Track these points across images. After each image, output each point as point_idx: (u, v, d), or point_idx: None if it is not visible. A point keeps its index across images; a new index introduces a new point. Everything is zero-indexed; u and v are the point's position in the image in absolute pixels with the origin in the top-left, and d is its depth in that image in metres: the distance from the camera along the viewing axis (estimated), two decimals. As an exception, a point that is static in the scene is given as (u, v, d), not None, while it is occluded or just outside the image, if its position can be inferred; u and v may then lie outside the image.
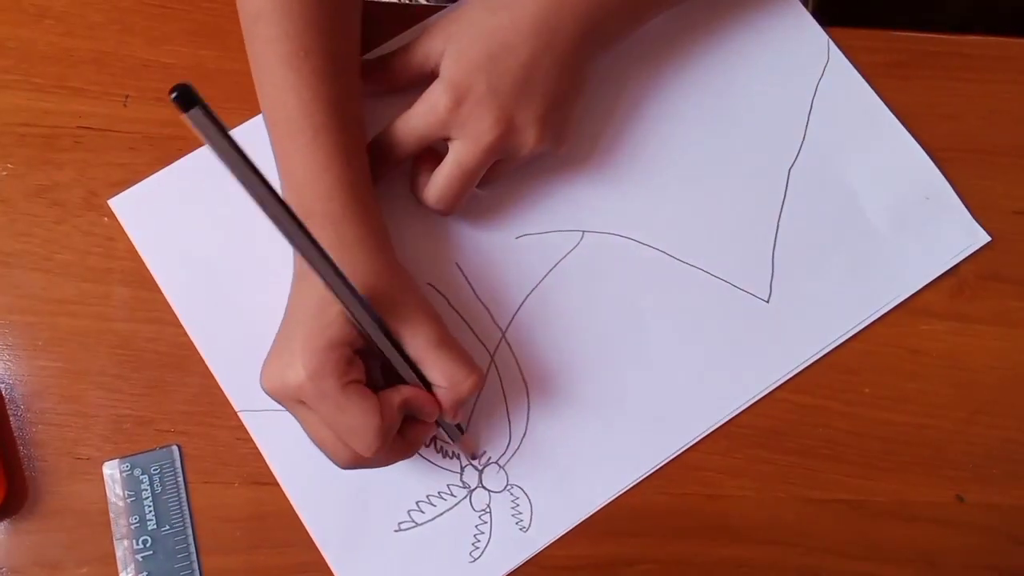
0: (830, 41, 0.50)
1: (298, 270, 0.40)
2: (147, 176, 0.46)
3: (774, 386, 0.45)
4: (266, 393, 0.37)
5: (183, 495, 0.43)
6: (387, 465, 0.40)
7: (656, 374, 0.45)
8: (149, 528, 0.42)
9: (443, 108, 0.41)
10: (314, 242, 0.32)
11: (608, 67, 0.48)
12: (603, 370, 0.45)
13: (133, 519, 0.42)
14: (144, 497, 0.42)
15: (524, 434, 0.44)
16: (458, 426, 0.42)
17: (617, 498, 0.44)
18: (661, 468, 0.44)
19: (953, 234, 0.48)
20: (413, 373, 0.38)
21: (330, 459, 0.38)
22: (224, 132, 0.27)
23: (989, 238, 0.48)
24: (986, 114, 0.50)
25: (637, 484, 0.44)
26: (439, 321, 0.39)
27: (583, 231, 0.47)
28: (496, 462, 0.44)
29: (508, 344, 0.45)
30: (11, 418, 0.43)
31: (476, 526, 0.43)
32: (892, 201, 0.48)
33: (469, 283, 0.46)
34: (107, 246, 0.45)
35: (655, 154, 0.48)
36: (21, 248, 0.45)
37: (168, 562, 0.42)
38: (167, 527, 0.42)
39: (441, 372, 0.38)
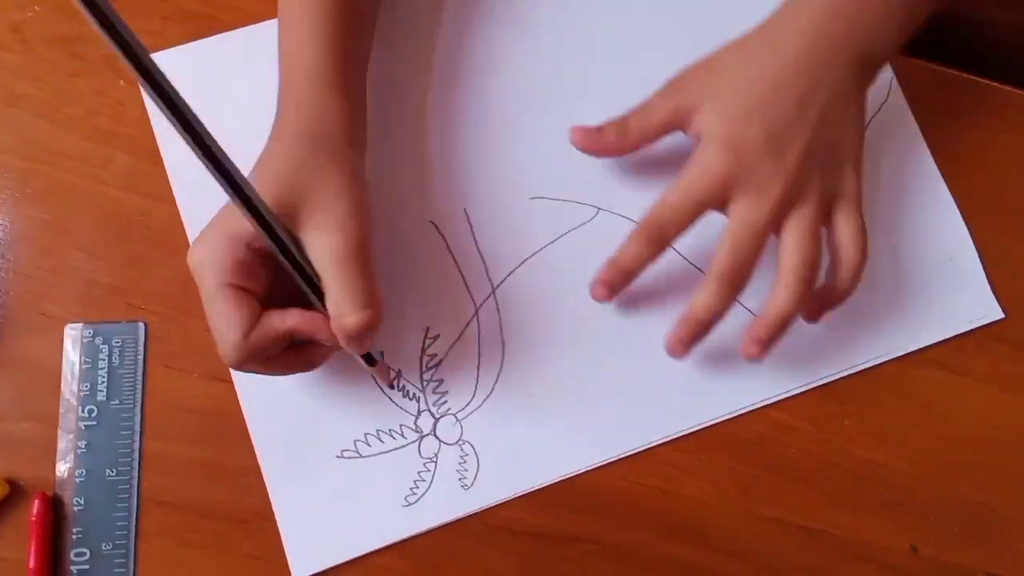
0: (893, 79, 0.48)
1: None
2: (176, 46, 0.45)
3: (755, 407, 0.44)
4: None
5: (140, 374, 0.41)
6: (278, 375, 0.38)
7: (637, 366, 0.44)
8: (98, 399, 0.41)
9: (720, 166, 0.38)
10: (192, 125, 0.28)
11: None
12: (585, 349, 0.44)
13: (84, 386, 0.41)
14: (100, 367, 0.41)
15: (490, 393, 0.43)
16: (366, 356, 0.38)
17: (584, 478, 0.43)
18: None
19: (968, 302, 0.46)
20: (306, 285, 0.34)
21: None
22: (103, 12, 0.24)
23: (1003, 315, 0.46)
24: (1021, 171, 0.49)
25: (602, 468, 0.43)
26: (356, 238, 0.34)
27: (598, 208, 0.45)
28: (454, 414, 0.43)
29: (496, 301, 0.44)
30: (-16, 259, 0.42)
31: (419, 472, 0.42)
32: (916, 253, 0.47)
33: (472, 231, 0.45)
34: (117, 110, 0.44)
35: (685, 151, 0.46)
36: (32, 92, 0.44)
37: (110, 436, 0.41)
38: (117, 401, 0.41)
39: (331, 297, 0.34)
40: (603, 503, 0.43)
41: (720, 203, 0.39)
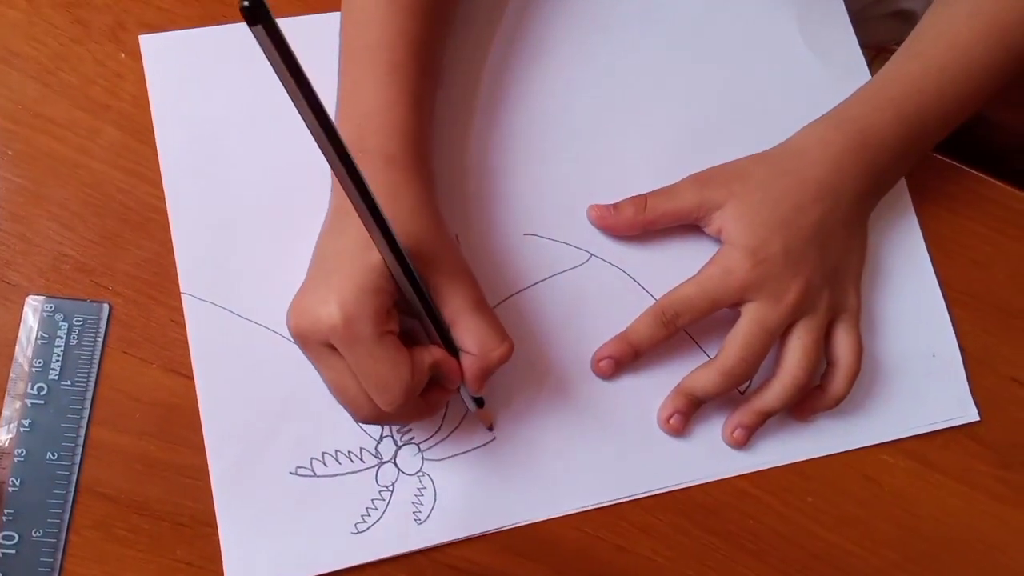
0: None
1: (336, 205, 0.38)
2: (184, 28, 0.44)
3: (720, 478, 0.43)
4: (291, 332, 0.35)
5: (96, 356, 0.40)
6: (403, 423, 0.39)
7: (609, 423, 0.43)
8: (50, 377, 0.39)
9: (743, 272, 0.41)
10: (362, 181, 0.29)
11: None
12: (559, 398, 0.43)
13: (37, 362, 0.39)
14: (57, 344, 0.40)
15: (456, 428, 0.42)
16: (477, 399, 0.40)
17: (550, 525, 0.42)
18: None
19: (945, 400, 0.46)
20: (445, 334, 0.36)
21: (348, 410, 0.36)
22: (288, 56, 0.24)
23: (978, 417, 0.46)
24: (1014, 273, 0.49)
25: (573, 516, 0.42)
26: (477, 284, 0.37)
27: (591, 254, 0.45)
28: (417, 444, 0.41)
29: None
30: (-48, 216, 0.40)
31: (372, 500, 0.40)
32: (899, 344, 0.46)
33: None
34: (114, 82, 0.43)
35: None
36: (29, 52, 0.42)
37: (56, 418, 0.39)
38: (68, 383, 0.39)
39: (474, 337, 0.36)
40: (557, 552, 0.42)
41: (735, 304, 0.42)
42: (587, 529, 0.42)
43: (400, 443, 0.41)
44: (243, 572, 0.39)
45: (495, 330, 0.36)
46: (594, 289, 0.44)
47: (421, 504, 0.41)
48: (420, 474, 0.41)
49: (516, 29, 0.48)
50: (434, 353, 0.36)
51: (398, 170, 0.37)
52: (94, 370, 0.40)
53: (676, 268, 0.44)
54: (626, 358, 0.43)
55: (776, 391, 0.42)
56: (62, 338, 0.40)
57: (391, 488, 0.41)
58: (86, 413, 0.39)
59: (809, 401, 0.44)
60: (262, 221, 0.42)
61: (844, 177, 0.43)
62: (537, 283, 0.44)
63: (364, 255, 0.34)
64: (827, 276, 0.43)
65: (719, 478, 0.43)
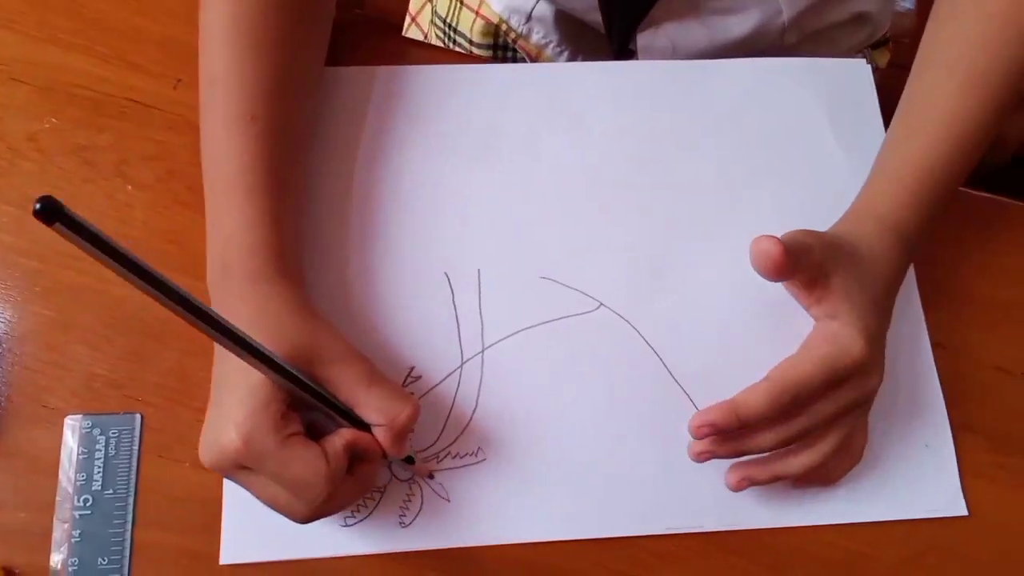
0: None
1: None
2: (178, 156, 0.48)
3: (704, 530, 0.45)
4: (208, 466, 0.37)
5: (134, 463, 0.43)
6: (345, 509, 0.41)
7: (601, 463, 0.45)
8: (94, 488, 0.43)
9: (861, 356, 0.40)
10: (215, 319, 0.32)
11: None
12: (552, 430, 0.45)
13: (80, 476, 0.43)
14: (97, 457, 0.43)
15: (451, 443, 0.45)
16: (408, 458, 0.42)
17: (545, 552, 0.44)
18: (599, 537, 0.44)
19: (934, 493, 0.47)
20: (348, 420, 0.38)
21: (286, 517, 0.38)
22: (96, 239, 0.25)
23: (967, 512, 0.46)
24: (982, 267, 0.51)
25: (568, 545, 0.44)
26: (365, 359, 0.39)
27: (601, 303, 0.48)
28: (412, 453, 0.44)
29: (482, 361, 0.46)
30: (-8, 354, 0.44)
31: (363, 498, 0.43)
32: (893, 433, 0.47)
33: (479, 291, 0.47)
34: (125, 212, 0.47)
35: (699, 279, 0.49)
36: (45, 197, 0.47)
37: (103, 525, 0.42)
38: (111, 491, 0.43)
39: (376, 410, 0.38)
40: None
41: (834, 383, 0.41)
42: (608, 564, 0.44)
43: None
44: (237, 547, 0.42)
45: (396, 396, 0.38)
46: (599, 335, 0.47)
47: (407, 509, 0.44)
48: (411, 482, 0.44)
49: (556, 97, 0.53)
50: (345, 435, 0.38)
51: (263, 283, 0.39)
52: (133, 476, 0.43)
53: (680, 325, 0.47)
54: (728, 428, 0.40)
55: (802, 462, 0.42)
56: (101, 451, 0.43)
57: (381, 490, 0.44)
58: (130, 517, 0.42)
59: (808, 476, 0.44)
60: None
61: (895, 272, 0.44)
62: (548, 322, 0.47)
63: (246, 377, 0.36)
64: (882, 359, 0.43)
65: (690, 531, 0.45)
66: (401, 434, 0.39)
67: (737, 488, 0.43)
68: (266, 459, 0.35)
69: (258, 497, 0.38)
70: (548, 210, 0.49)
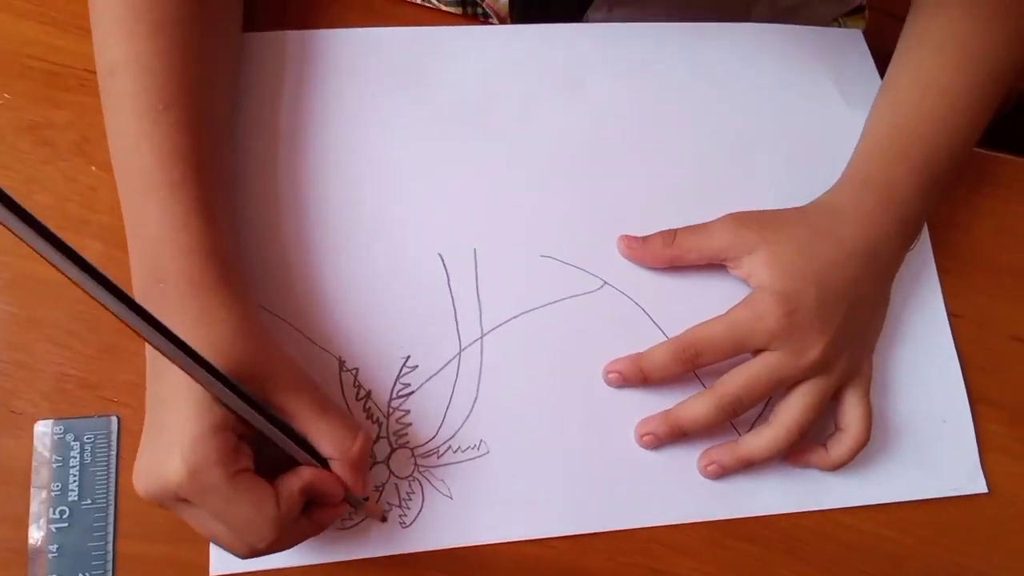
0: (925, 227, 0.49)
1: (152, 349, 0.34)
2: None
3: (717, 518, 0.43)
4: (142, 496, 0.33)
5: (113, 470, 0.40)
6: (291, 547, 0.36)
7: (607, 450, 0.43)
8: (70, 499, 0.39)
9: (774, 318, 0.40)
10: (163, 327, 0.28)
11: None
12: (558, 419, 0.43)
13: (55, 486, 0.39)
14: (72, 465, 0.40)
15: (452, 437, 0.42)
16: (358, 500, 0.38)
17: (558, 548, 0.42)
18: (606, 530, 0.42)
19: (953, 470, 0.45)
20: (302, 450, 0.35)
21: (229, 552, 0.34)
22: (24, 215, 0.23)
23: (987, 489, 0.45)
24: (996, 231, 0.50)
25: (578, 540, 0.42)
26: (317, 386, 0.36)
27: (604, 281, 0.45)
28: (411, 449, 0.42)
29: (482, 348, 0.43)
30: (-51, 356, 0.41)
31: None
32: (910, 407, 0.46)
33: (476, 273, 0.44)
34: (89, 196, 0.43)
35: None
36: (1, 182, 0.43)
37: (82, 538, 0.39)
38: (89, 501, 0.39)
39: (328, 441, 0.35)
40: (594, 586, 0.42)
41: (758, 350, 0.41)
42: (617, 558, 0.42)
43: (395, 445, 0.42)
44: (228, 556, 0.37)
45: (345, 427, 0.35)
46: (604, 316, 0.45)
47: (408, 508, 0.41)
48: (411, 479, 0.41)
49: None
50: (303, 476, 0.34)
51: (206, 292, 0.35)
52: (113, 484, 0.40)
53: (688, 304, 0.44)
54: (633, 381, 0.43)
55: (765, 441, 0.42)
56: (76, 458, 0.40)
57: (380, 489, 0.41)
58: (111, 528, 0.39)
59: (806, 454, 0.43)
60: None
61: (878, 236, 0.43)
62: (549, 304, 0.44)
63: (193, 397, 0.32)
64: (849, 339, 0.42)
65: (704, 519, 0.43)
66: (357, 466, 0.35)
67: (707, 474, 0.43)
68: (211, 495, 0.32)
69: (198, 529, 0.34)
70: (546, 183, 0.46)
